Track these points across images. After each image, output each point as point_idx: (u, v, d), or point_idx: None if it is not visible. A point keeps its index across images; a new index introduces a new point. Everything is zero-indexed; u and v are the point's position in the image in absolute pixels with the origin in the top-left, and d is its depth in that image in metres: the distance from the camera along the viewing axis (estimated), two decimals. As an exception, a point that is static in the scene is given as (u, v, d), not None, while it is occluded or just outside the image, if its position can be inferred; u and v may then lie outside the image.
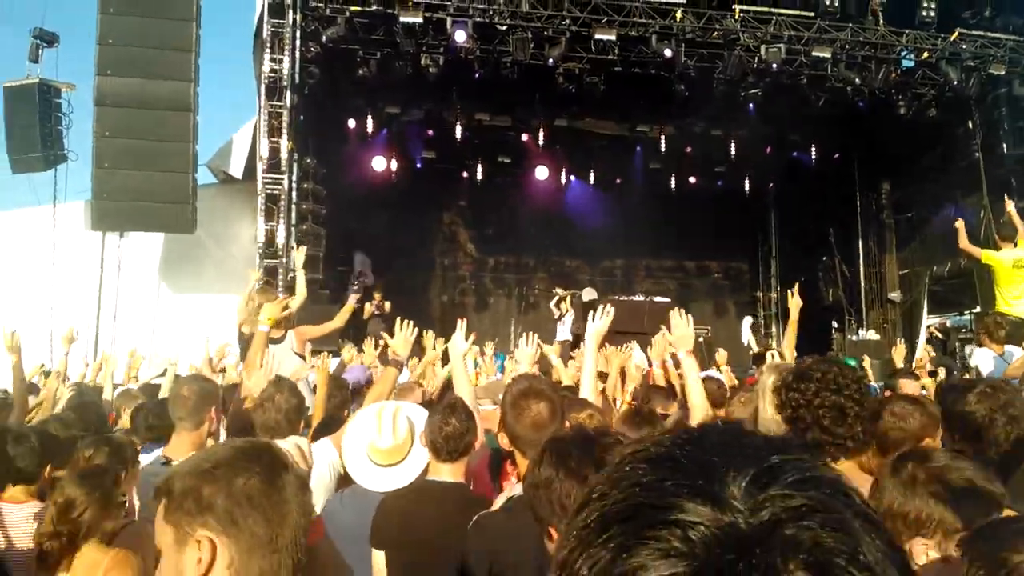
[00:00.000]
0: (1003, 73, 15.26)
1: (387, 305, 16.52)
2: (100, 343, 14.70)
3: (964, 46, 15.27)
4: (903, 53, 15.84)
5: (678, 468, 0.66)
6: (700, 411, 3.85)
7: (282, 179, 14.26)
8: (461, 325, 4.67)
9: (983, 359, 7.76)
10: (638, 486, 0.65)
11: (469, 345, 4.70)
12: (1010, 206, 9.99)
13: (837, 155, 20.21)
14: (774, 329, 23.47)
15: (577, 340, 13.79)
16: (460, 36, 14.44)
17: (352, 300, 8.50)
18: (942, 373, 8.78)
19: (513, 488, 3.07)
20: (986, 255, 9.67)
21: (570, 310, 16.29)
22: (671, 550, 0.58)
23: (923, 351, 10.73)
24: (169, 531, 1.53)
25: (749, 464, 0.65)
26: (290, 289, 10.63)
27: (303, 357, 6.97)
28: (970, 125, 16.89)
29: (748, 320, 13.31)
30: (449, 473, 3.48)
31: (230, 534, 1.49)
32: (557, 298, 17.14)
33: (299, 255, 8.13)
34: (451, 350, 4.59)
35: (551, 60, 15.04)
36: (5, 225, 15.95)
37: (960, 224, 9.89)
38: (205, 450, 1.77)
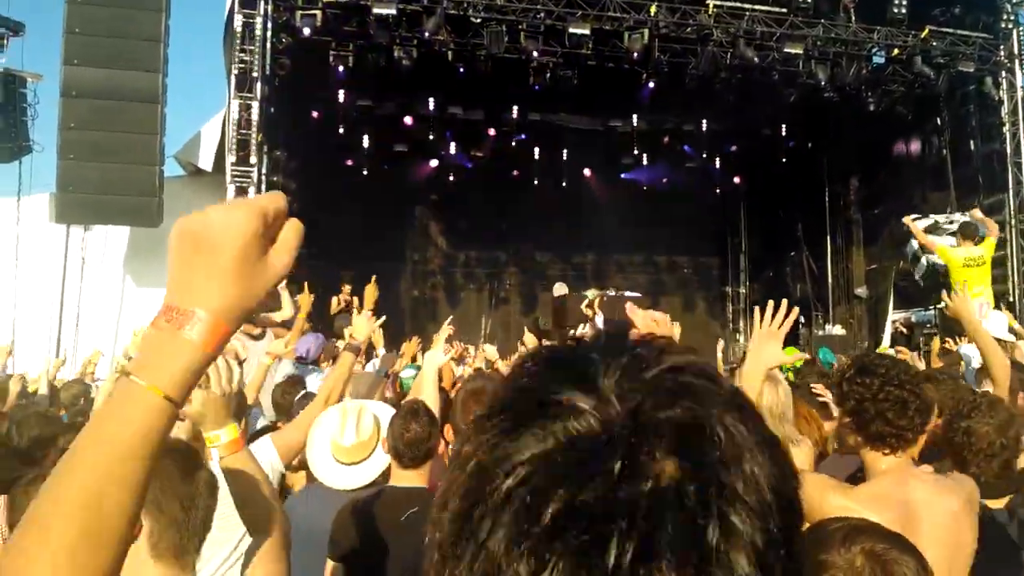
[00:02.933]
0: (972, 71, 15.45)
1: (355, 300, 16.22)
2: (63, 339, 14.40)
3: (934, 43, 15.44)
4: (874, 50, 16.00)
5: (564, 364, 0.72)
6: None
7: (251, 171, 14.01)
8: (442, 334, 4.60)
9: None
10: (526, 378, 0.71)
11: (449, 358, 4.62)
12: (978, 213, 10.11)
13: (807, 150, 20.39)
14: (742, 324, 23.65)
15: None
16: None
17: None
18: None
19: None
20: (940, 249, 9.79)
21: (599, 312, 15.59)
22: (548, 434, 0.63)
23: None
24: None
25: (625, 356, 0.70)
26: None
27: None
28: (938, 122, 17.10)
29: (720, 344, 13.24)
30: (412, 479, 3.45)
31: (153, 515, 1.82)
32: (587, 300, 16.55)
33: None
34: (427, 359, 4.50)
35: (525, 54, 14.98)
36: (-32, 219, 15.53)
37: (907, 220, 10.02)
38: None
